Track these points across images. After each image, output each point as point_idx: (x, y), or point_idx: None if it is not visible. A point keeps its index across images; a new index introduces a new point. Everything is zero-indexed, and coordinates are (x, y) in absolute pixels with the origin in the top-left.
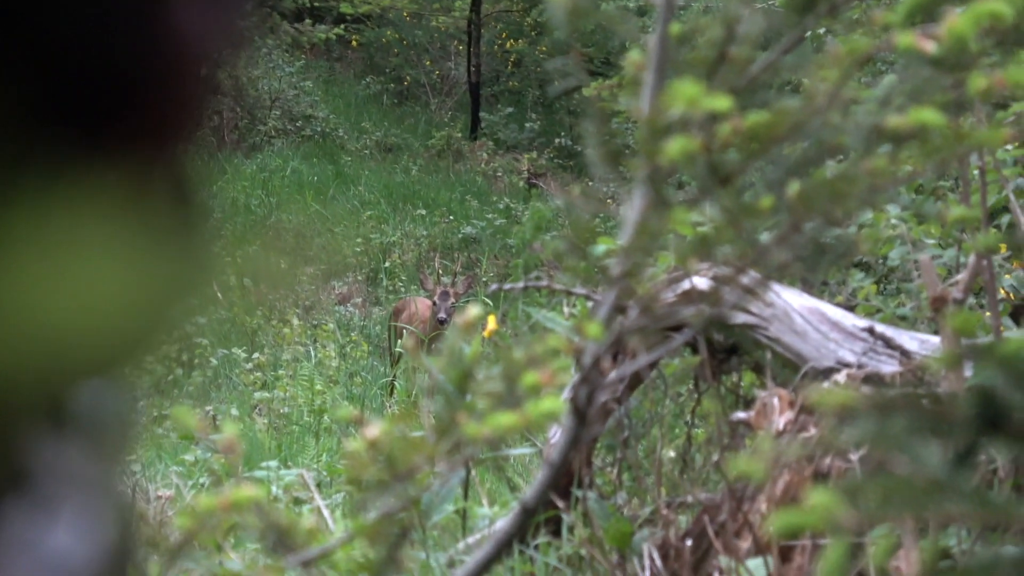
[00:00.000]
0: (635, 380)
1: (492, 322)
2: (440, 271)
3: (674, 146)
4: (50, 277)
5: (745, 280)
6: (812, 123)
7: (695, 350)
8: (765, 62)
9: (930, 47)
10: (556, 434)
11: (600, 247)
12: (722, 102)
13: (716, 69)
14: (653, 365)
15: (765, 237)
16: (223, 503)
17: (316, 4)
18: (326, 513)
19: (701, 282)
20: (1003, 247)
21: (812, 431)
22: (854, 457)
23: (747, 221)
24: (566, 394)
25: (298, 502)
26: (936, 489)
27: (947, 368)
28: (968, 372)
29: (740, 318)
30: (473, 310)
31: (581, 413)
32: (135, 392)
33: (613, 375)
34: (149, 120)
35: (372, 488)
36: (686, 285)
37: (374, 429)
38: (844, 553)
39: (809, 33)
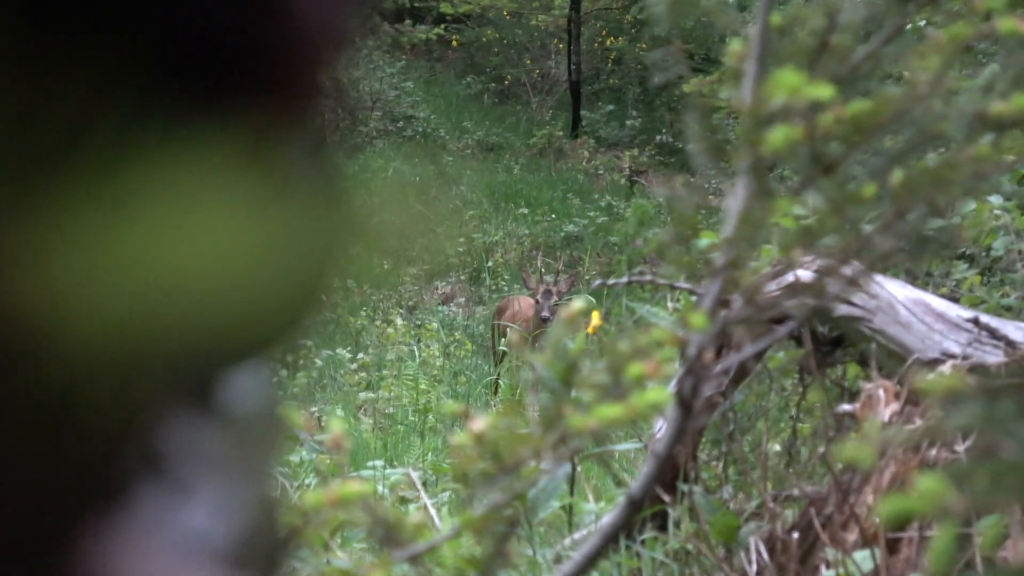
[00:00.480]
0: (740, 374)
1: (596, 318)
2: (542, 269)
3: (777, 135)
4: (181, 236)
5: (848, 271)
6: (914, 111)
7: (800, 343)
8: (866, 51)
9: None
10: (661, 428)
11: (703, 240)
12: (824, 91)
13: (817, 58)
14: (758, 358)
15: (868, 227)
16: (330, 499)
17: (416, 4)
18: (432, 511)
19: (805, 275)
20: None
21: (918, 422)
22: (960, 448)
23: (850, 210)
24: (671, 386)
25: (404, 501)
26: None
27: None
28: None
29: (844, 310)
30: (577, 303)
31: (687, 404)
32: (284, 386)
33: (718, 367)
34: (275, 78)
35: (478, 482)
36: (790, 278)
37: (479, 423)
38: (953, 540)
39: (910, 24)
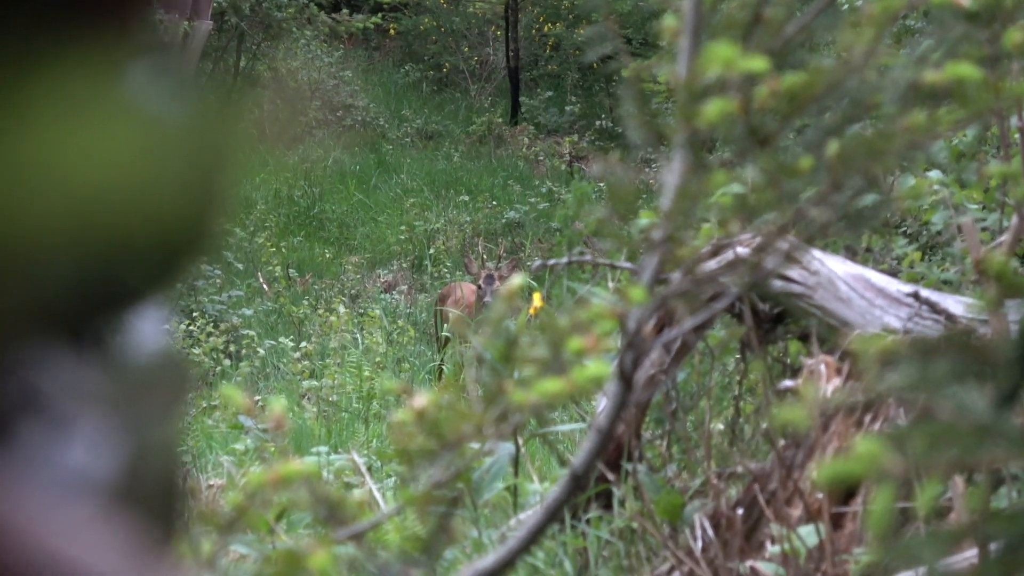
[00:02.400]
0: (681, 352)
1: (537, 299)
2: (484, 256)
3: (712, 108)
4: (66, 143)
5: (785, 244)
6: (848, 82)
7: (741, 320)
8: (800, 23)
9: (965, 1)
10: (603, 407)
11: (642, 220)
12: (759, 63)
13: (751, 31)
14: (699, 334)
15: (805, 200)
16: (273, 477)
17: None
18: (377, 495)
19: (744, 252)
20: None
21: (860, 397)
22: (902, 421)
23: (787, 183)
24: (612, 362)
25: (349, 487)
26: (981, 433)
27: (989, 312)
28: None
29: (785, 286)
30: (516, 279)
31: (627, 379)
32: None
33: (659, 341)
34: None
35: (420, 459)
36: (730, 255)
37: (421, 399)
38: (891, 500)
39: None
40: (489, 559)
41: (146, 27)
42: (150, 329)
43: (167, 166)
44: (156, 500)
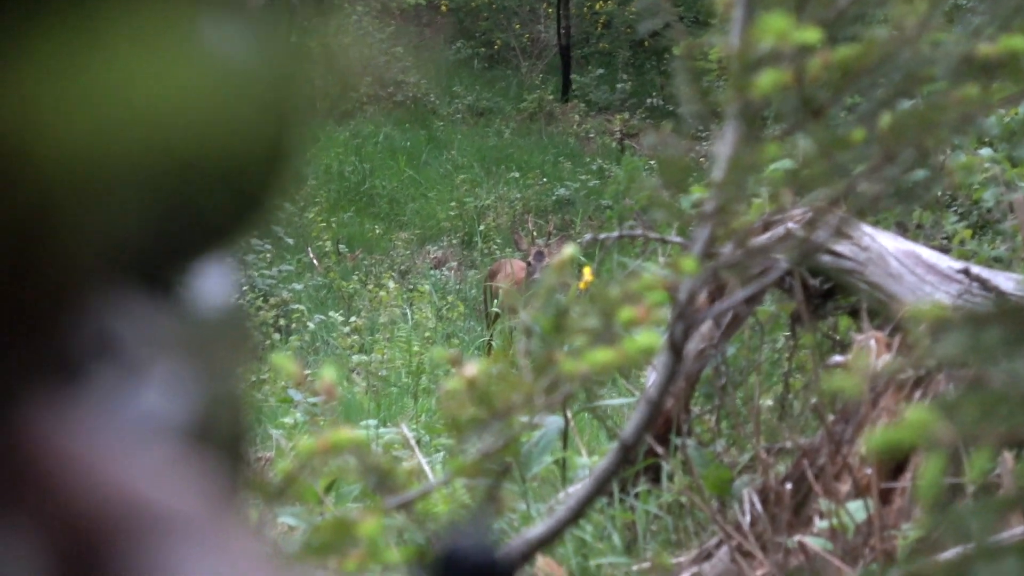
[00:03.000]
0: (731, 326)
1: (588, 273)
2: (534, 232)
3: (765, 79)
4: (141, 64)
5: (837, 218)
6: (902, 54)
7: (791, 296)
8: None
9: None
10: (652, 377)
11: (693, 195)
12: (812, 34)
13: (804, 3)
14: (749, 306)
15: (856, 173)
16: (323, 446)
17: None
18: (426, 467)
19: (795, 227)
20: None
21: (910, 372)
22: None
23: (839, 154)
24: (663, 334)
25: (397, 461)
26: None
27: None
28: None
29: (836, 261)
30: (567, 249)
31: (678, 350)
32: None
33: (710, 312)
34: None
35: (470, 429)
36: (780, 230)
37: (472, 368)
38: (941, 471)
39: None
40: (538, 528)
41: None
42: (216, 284)
43: (243, 109)
44: (226, 447)
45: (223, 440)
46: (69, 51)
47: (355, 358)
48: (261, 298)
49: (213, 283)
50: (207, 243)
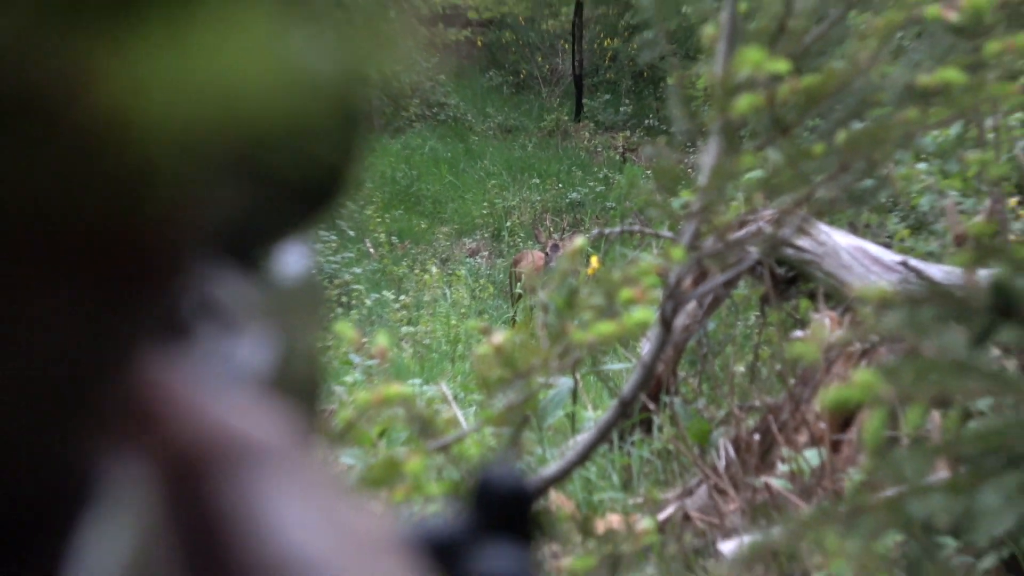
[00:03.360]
0: (712, 305)
1: (595, 261)
2: (551, 228)
3: (743, 102)
4: (230, 44)
5: (799, 218)
6: (856, 83)
7: (761, 282)
8: (816, 33)
9: (952, 16)
10: (647, 347)
11: (681, 198)
12: (781, 65)
13: (776, 39)
14: (726, 289)
15: (817, 180)
16: (377, 397)
17: (448, 11)
18: (461, 418)
19: (765, 224)
20: (1013, 201)
21: (858, 345)
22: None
23: (803, 164)
24: (655, 311)
25: (437, 412)
26: (959, 368)
27: (965, 270)
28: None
29: (797, 254)
30: (577, 240)
31: (668, 324)
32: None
33: (695, 292)
34: None
35: (497, 386)
36: (753, 227)
37: (499, 336)
38: (883, 421)
39: (853, 12)
40: (552, 468)
41: None
42: (294, 261)
43: (322, 109)
44: (303, 396)
45: (301, 390)
46: (176, 35)
47: (403, 329)
48: (327, 279)
49: (292, 260)
50: (287, 229)
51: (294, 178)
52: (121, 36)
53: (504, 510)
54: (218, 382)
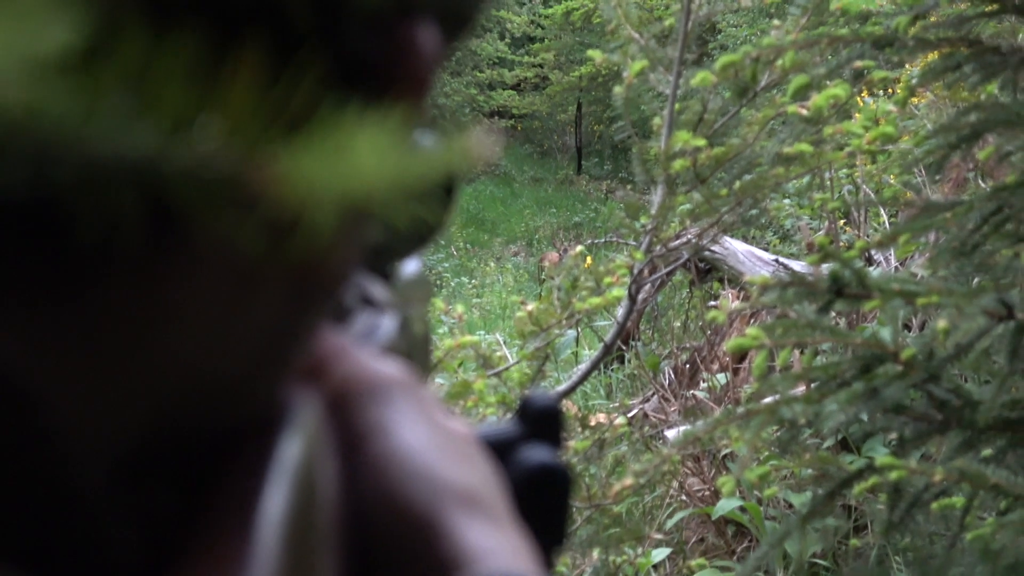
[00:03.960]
0: (660, 286)
1: (589, 260)
2: (563, 239)
3: (677, 163)
4: (373, 161)
5: (711, 233)
6: (745, 152)
7: (690, 271)
8: (721, 122)
9: (804, 112)
10: (620, 312)
11: (642, 220)
12: (700, 141)
13: (697, 125)
14: (669, 276)
15: (723, 210)
16: (456, 343)
17: (499, 109)
18: (508, 355)
19: (692, 237)
20: (842, 222)
21: (748, 312)
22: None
23: (714, 201)
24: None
25: (493, 352)
26: (810, 326)
27: (814, 267)
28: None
29: (712, 255)
30: (577, 248)
31: (633, 297)
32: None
33: (649, 280)
34: (408, 88)
35: (529, 336)
36: (685, 238)
37: (530, 306)
38: (764, 358)
39: (744, 108)
40: (563, 386)
41: (426, 108)
42: (412, 264)
43: (433, 180)
44: (421, 348)
45: (419, 345)
46: (331, 146)
47: (474, 300)
48: (427, 270)
49: (412, 266)
50: (407, 252)
51: (408, 227)
52: (295, 147)
53: (541, 419)
54: (363, 344)
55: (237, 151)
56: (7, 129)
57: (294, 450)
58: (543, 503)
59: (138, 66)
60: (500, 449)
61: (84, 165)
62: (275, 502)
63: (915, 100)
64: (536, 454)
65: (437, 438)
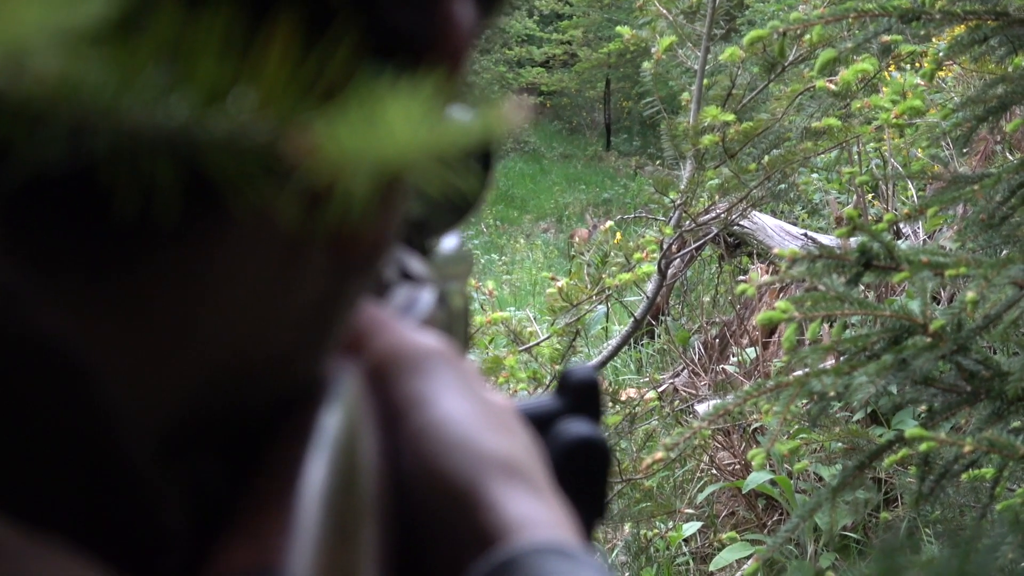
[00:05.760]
0: (689, 261)
1: (619, 236)
2: (592, 215)
3: (706, 139)
4: (409, 128)
5: (741, 207)
6: (774, 127)
7: (719, 246)
8: (750, 96)
9: (832, 87)
10: (650, 287)
11: (671, 196)
12: (728, 116)
13: (726, 100)
14: (698, 251)
15: (752, 185)
16: (488, 320)
17: (528, 86)
18: (539, 331)
19: (722, 212)
20: (870, 196)
21: (777, 285)
22: (800, 293)
23: (743, 176)
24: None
25: (525, 327)
26: (839, 298)
27: (843, 239)
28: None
29: (741, 229)
30: (608, 224)
31: (663, 273)
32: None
33: (679, 255)
34: (445, 58)
35: (560, 312)
36: (714, 213)
37: (560, 282)
38: (794, 331)
39: (772, 84)
40: (595, 360)
41: (462, 73)
42: (452, 239)
43: (467, 152)
44: (460, 320)
45: (458, 317)
46: (365, 117)
47: (504, 277)
48: (467, 245)
49: (452, 242)
50: (448, 225)
51: (444, 200)
52: (330, 117)
53: (581, 392)
54: (404, 317)
55: (272, 121)
56: (45, 101)
57: (335, 421)
58: (584, 476)
59: (173, 38)
60: (540, 422)
61: (120, 136)
62: (316, 472)
63: (942, 73)
64: (576, 427)
65: (477, 409)
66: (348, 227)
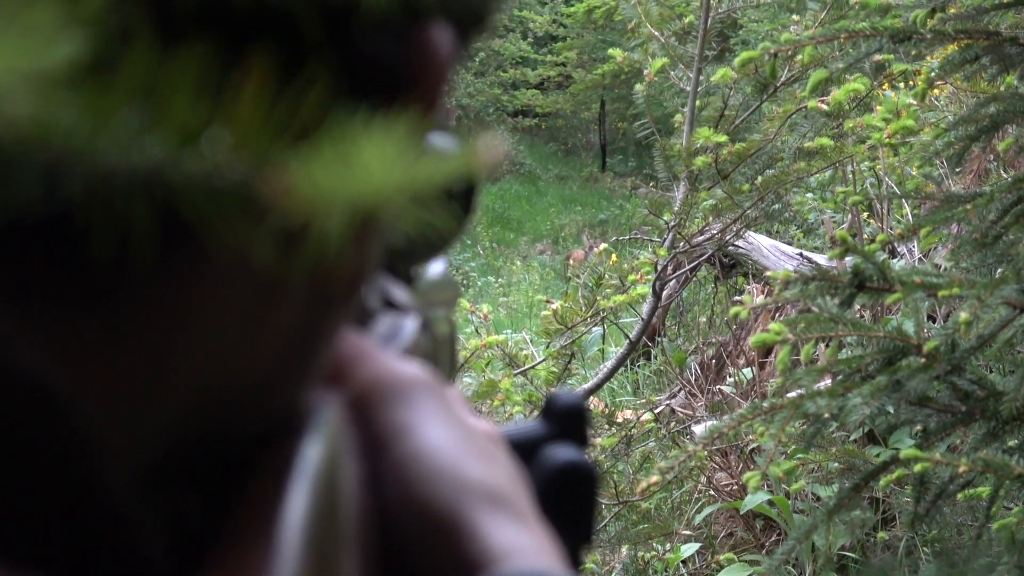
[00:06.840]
0: (684, 282)
1: (613, 256)
2: (588, 237)
3: (699, 160)
4: (382, 168)
5: (735, 227)
6: (767, 147)
7: (714, 267)
8: (742, 117)
9: (824, 106)
10: (645, 308)
11: (664, 217)
12: (721, 137)
13: (719, 121)
14: (693, 272)
15: (745, 205)
16: (483, 342)
17: (523, 108)
18: (535, 353)
19: (715, 232)
20: (865, 214)
21: (772, 305)
22: (794, 315)
23: (737, 196)
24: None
25: (520, 350)
26: (833, 319)
27: (837, 260)
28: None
29: (736, 249)
30: (602, 245)
31: (657, 295)
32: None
33: (673, 276)
34: (421, 95)
35: (555, 334)
36: (708, 234)
37: (555, 304)
38: (787, 353)
39: (764, 104)
40: (591, 382)
41: (441, 114)
42: (436, 265)
43: (451, 182)
44: (446, 358)
45: (444, 344)
46: (339, 157)
47: (501, 299)
48: (454, 269)
49: (438, 268)
50: (431, 254)
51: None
52: (304, 156)
53: (566, 417)
54: (386, 346)
55: (246, 162)
56: (17, 144)
57: (316, 453)
58: (570, 501)
59: (146, 79)
60: (526, 448)
61: (94, 178)
62: (297, 505)
63: (935, 92)
64: (562, 453)
65: (460, 437)
66: (324, 264)
